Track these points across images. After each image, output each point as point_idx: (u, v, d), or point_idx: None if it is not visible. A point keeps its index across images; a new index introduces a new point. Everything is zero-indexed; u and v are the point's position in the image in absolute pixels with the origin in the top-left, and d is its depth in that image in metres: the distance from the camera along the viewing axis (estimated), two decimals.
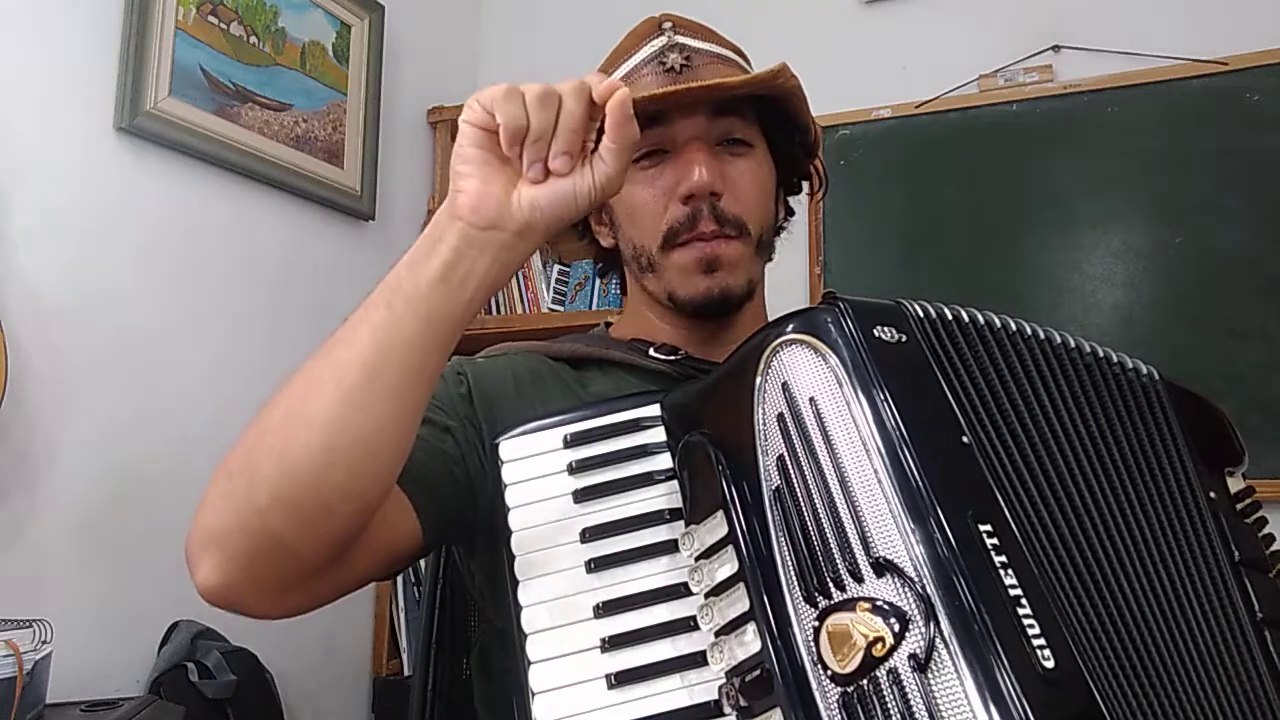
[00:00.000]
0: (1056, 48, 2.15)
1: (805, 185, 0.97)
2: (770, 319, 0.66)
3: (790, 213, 0.96)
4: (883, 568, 0.54)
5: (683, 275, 0.84)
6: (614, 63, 0.87)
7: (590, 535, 0.66)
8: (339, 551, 0.65)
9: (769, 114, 0.86)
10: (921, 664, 0.50)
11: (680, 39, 0.85)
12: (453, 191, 0.61)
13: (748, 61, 0.89)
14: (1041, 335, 0.72)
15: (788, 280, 2.23)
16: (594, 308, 2.38)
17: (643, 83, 0.83)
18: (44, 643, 1.38)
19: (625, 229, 0.87)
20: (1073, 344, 0.73)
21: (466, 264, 0.61)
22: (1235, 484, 0.79)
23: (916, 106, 2.22)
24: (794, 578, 0.56)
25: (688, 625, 0.61)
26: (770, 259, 0.91)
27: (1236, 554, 0.73)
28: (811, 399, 0.60)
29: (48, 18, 1.69)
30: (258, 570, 0.62)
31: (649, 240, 0.84)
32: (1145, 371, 0.78)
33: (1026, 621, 0.53)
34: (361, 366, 0.60)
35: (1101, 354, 0.75)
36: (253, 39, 2.06)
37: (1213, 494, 0.75)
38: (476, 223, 0.60)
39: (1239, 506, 0.78)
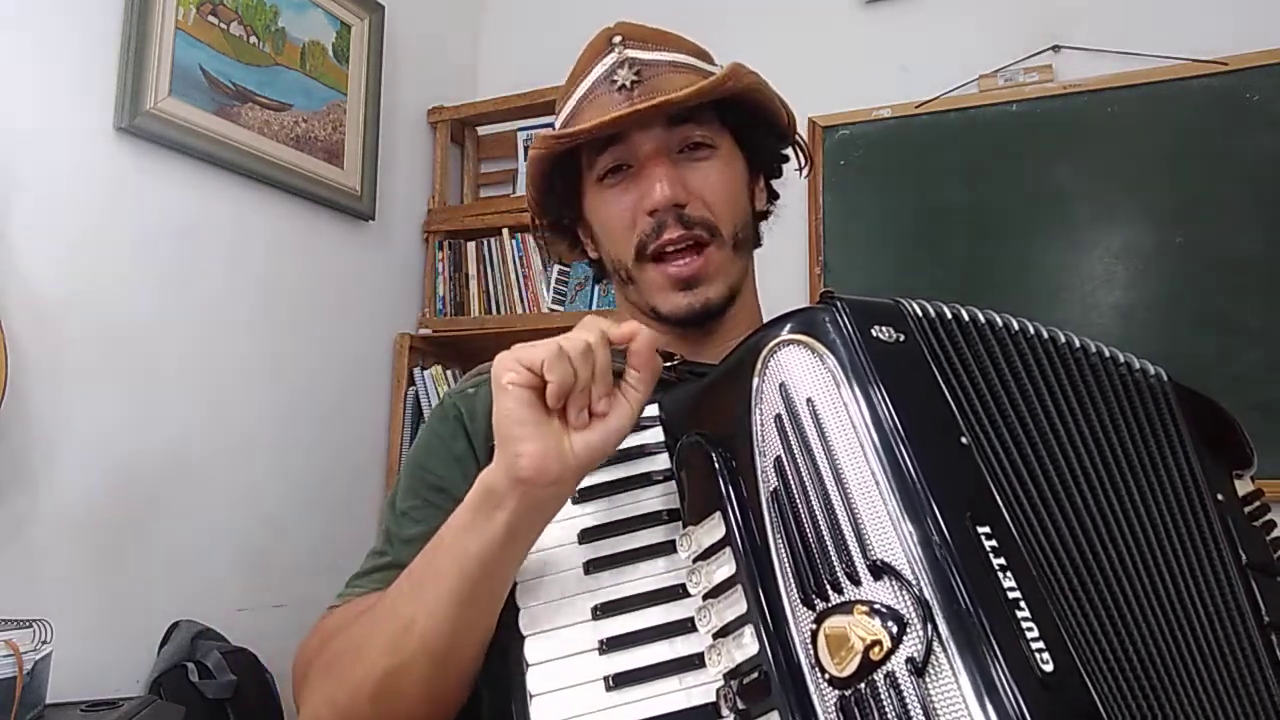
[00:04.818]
0: (1056, 48, 2.15)
1: (796, 169, 0.98)
2: (766, 317, 0.65)
3: (774, 196, 0.97)
4: (880, 571, 0.53)
5: (661, 292, 0.86)
6: (573, 83, 0.88)
7: (588, 536, 0.66)
8: None
9: (731, 111, 0.87)
10: (919, 668, 0.50)
11: (630, 53, 0.85)
12: (510, 455, 0.61)
13: (709, 60, 0.90)
14: (1045, 334, 0.71)
15: (788, 280, 2.23)
16: (594, 308, 2.38)
17: (598, 103, 0.85)
18: (44, 643, 1.38)
19: (603, 244, 0.90)
20: (1077, 343, 0.72)
21: (528, 523, 0.64)
22: (1244, 486, 0.78)
23: (916, 106, 2.22)
24: (791, 580, 0.56)
25: (685, 627, 0.61)
26: (758, 246, 0.93)
27: (1244, 557, 0.72)
28: (809, 400, 0.59)
29: (48, 18, 1.69)
30: None
31: (623, 254, 0.87)
32: (1153, 372, 0.77)
33: (1025, 624, 0.52)
34: (450, 633, 0.65)
35: (1108, 354, 0.74)
36: (253, 39, 2.06)
37: (1220, 496, 0.74)
38: (541, 482, 0.61)
39: (1248, 509, 0.77)
